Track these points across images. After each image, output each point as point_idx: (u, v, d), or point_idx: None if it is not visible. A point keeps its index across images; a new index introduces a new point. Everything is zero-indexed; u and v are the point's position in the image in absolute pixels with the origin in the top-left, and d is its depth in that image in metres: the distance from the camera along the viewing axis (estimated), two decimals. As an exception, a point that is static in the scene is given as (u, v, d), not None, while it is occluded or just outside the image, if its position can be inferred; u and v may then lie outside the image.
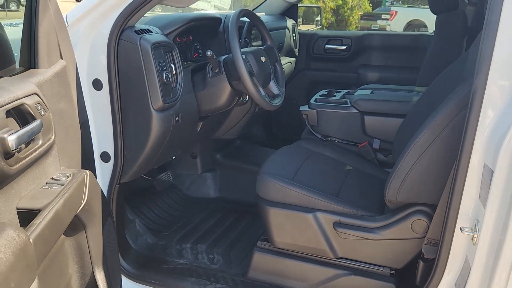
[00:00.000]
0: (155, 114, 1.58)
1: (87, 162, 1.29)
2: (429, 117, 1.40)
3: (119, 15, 1.50)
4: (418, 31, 10.14)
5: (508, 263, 1.06)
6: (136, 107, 1.58)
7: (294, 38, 3.13)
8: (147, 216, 2.19)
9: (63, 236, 1.07)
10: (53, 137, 1.05)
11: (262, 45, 2.19)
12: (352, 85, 2.97)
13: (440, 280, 1.33)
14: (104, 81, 1.54)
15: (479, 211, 1.16)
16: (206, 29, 2.12)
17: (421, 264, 1.50)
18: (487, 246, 1.13)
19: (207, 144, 2.53)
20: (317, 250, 1.66)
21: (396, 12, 12.03)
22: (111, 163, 1.63)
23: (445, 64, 1.85)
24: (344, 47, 3.20)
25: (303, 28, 3.61)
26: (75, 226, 1.11)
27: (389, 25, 11.80)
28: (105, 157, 1.63)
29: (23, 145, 0.93)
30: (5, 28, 1.08)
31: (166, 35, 1.74)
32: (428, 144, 1.39)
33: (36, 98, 0.99)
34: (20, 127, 0.93)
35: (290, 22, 3.08)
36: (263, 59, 1.97)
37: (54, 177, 1.07)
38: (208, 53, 1.81)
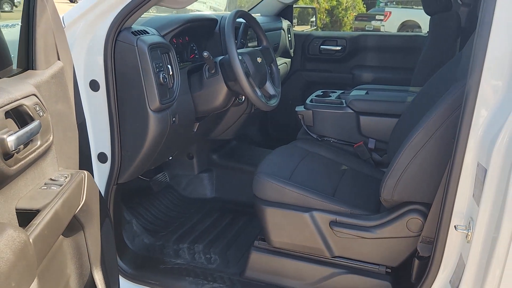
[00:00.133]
0: (152, 115, 1.59)
1: (85, 163, 1.30)
2: (423, 117, 1.42)
3: (116, 16, 1.50)
4: (412, 31, 10.20)
5: (501, 260, 1.08)
6: (133, 108, 1.59)
7: (290, 39, 3.14)
8: (144, 217, 2.20)
9: (61, 236, 1.08)
10: (51, 138, 1.05)
11: (258, 46, 2.20)
12: (347, 85, 2.98)
13: (435, 277, 1.35)
14: (101, 82, 1.54)
15: (473, 209, 1.18)
16: (202, 30, 2.13)
17: (416, 262, 1.52)
18: (481, 244, 1.14)
19: (203, 144, 2.53)
20: (313, 249, 1.67)
21: (390, 12, 12.10)
22: (108, 163, 1.64)
23: (439, 65, 1.87)
24: (339, 48, 3.22)
25: (298, 29, 3.63)
26: (74, 226, 1.12)
27: (383, 25, 11.87)
28: (102, 157, 1.63)
29: (22, 146, 0.93)
30: (1, 29, 1.09)
31: (163, 36, 1.74)
32: (423, 143, 1.40)
33: (35, 99, 1.00)
34: (19, 128, 0.93)
35: (285, 23, 3.09)
36: (259, 59, 1.98)
37: (53, 177, 1.07)
38: (205, 54, 1.81)
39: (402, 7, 12.99)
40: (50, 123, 1.05)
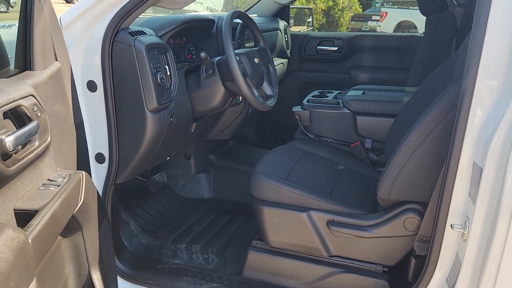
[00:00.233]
0: (149, 115, 1.59)
1: (82, 163, 1.30)
2: (419, 117, 1.43)
3: (113, 17, 1.50)
4: (408, 32, 10.23)
5: (497, 259, 1.09)
6: (131, 109, 1.59)
7: (286, 39, 3.15)
8: (142, 217, 2.20)
9: (59, 236, 1.08)
10: (49, 139, 1.05)
11: (255, 47, 2.20)
12: (344, 85, 2.99)
13: (432, 276, 1.36)
14: (98, 82, 1.54)
15: (469, 208, 1.19)
16: (200, 30, 2.13)
17: (413, 261, 1.53)
18: (477, 243, 1.15)
19: (200, 145, 2.53)
20: (311, 249, 1.68)
21: (386, 13, 12.13)
22: (106, 164, 1.64)
23: (435, 65, 1.88)
24: (335, 48, 3.23)
25: (294, 29, 3.63)
26: (72, 226, 1.12)
27: (380, 26, 11.90)
28: (100, 158, 1.64)
29: (20, 147, 0.93)
30: (-2, 30, 1.09)
31: (160, 37, 1.75)
32: (419, 143, 1.41)
33: (33, 99, 1.00)
34: (17, 129, 0.93)
35: (282, 24, 3.10)
36: (256, 60, 1.99)
37: (51, 178, 1.07)
38: (202, 54, 1.82)
39: (398, 8, 13.02)
40: (48, 124, 1.05)
